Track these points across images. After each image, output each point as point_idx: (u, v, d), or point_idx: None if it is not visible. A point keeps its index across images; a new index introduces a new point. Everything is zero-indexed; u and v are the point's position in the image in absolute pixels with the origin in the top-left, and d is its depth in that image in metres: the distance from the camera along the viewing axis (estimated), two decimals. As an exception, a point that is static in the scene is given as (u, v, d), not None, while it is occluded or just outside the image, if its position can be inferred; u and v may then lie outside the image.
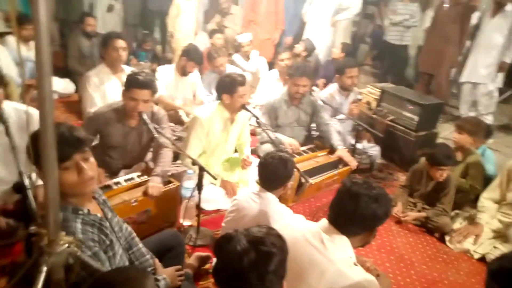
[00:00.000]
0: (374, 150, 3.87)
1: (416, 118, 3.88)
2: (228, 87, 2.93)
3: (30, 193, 1.72)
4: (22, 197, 1.77)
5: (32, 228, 1.39)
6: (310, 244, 1.57)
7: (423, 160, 3.17)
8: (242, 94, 2.94)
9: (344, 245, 1.55)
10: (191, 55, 4.01)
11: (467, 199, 3.21)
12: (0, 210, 2.22)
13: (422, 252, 2.85)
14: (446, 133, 4.70)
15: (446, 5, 5.30)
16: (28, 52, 4.35)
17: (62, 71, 4.99)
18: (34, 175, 2.25)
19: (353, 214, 1.53)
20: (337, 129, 3.72)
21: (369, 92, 4.53)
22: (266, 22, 6.13)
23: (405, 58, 6.53)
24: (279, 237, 1.24)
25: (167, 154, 2.66)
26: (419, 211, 3.11)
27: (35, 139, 1.19)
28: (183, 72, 4.12)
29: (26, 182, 1.75)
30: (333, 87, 4.04)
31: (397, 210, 3.11)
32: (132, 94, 2.51)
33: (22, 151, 2.27)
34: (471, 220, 2.98)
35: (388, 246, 2.87)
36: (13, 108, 2.35)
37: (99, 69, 3.59)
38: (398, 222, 3.11)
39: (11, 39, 4.55)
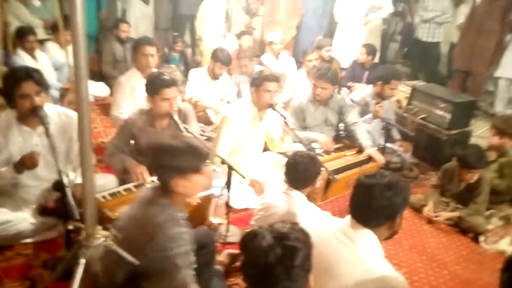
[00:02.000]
0: None
1: (448, 116, 3.79)
2: (256, 80, 3.05)
3: (68, 191, 1.80)
4: (61, 195, 1.86)
5: (71, 224, 1.47)
6: (338, 240, 1.58)
7: (455, 159, 3.10)
8: (268, 89, 2.99)
9: (371, 239, 1.55)
10: (217, 56, 4.08)
11: (503, 198, 3.12)
12: (41, 207, 2.35)
13: (455, 252, 2.79)
14: (480, 131, 4.56)
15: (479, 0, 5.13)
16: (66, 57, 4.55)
17: (97, 75, 5.18)
18: (72, 174, 2.36)
19: (369, 205, 1.53)
20: (367, 129, 3.67)
21: (399, 90, 4.44)
22: (286, 21, 6.12)
23: (436, 56, 6.35)
24: (303, 231, 1.25)
25: None
26: (452, 210, 3.04)
27: (159, 152, 1.68)
28: (214, 76, 4.19)
29: (65, 180, 1.83)
30: (367, 90, 3.94)
31: (428, 209, 3.06)
32: (163, 95, 2.58)
33: (62, 152, 2.39)
34: (507, 220, 2.89)
35: (420, 245, 2.82)
36: (55, 111, 2.46)
37: (131, 73, 3.64)
38: (430, 222, 3.05)
39: (51, 45, 4.83)
